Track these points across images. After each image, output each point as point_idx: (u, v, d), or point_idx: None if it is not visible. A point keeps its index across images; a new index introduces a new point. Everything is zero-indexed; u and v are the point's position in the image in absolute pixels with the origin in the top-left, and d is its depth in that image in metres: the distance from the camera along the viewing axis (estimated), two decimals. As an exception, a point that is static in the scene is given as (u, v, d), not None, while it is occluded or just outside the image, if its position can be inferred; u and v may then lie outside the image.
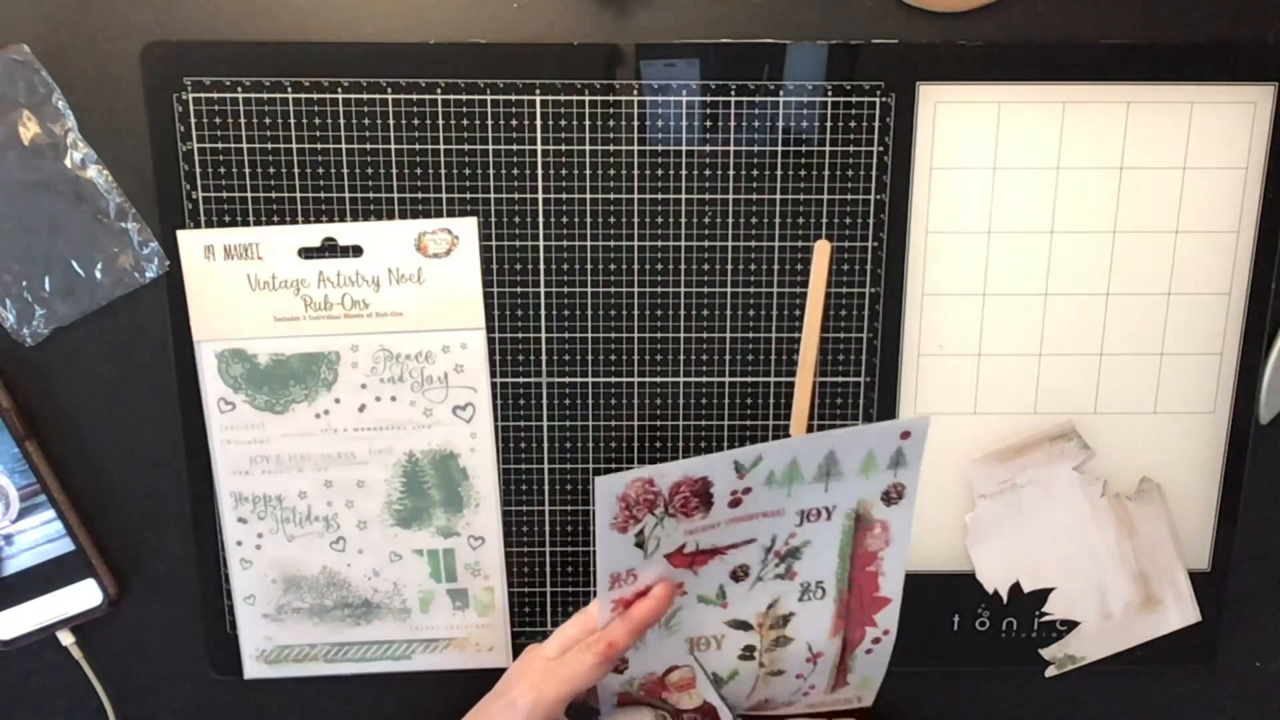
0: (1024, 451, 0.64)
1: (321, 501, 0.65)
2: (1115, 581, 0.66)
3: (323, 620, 0.67)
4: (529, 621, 0.68)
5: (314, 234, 0.62)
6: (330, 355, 0.63)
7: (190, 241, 0.62)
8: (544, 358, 0.64)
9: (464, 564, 0.66)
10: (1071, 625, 0.67)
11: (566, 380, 0.64)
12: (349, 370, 0.63)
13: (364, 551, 0.66)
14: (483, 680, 0.68)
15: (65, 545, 0.64)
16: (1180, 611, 0.67)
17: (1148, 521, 0.65)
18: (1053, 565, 0.66)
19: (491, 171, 0.61)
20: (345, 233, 0.62)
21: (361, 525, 0.65)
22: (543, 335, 0.64)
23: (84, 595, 0.65)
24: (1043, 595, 0.67)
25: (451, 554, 0.66)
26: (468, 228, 0.62)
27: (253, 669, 0.68)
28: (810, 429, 0.65)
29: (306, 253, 0.62)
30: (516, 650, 0.68)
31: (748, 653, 0.59)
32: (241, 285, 0.62)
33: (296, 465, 0.65)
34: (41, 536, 0.64)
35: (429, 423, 0.64)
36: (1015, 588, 0.66)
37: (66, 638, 0.66)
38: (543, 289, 0.63)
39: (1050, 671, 0.68)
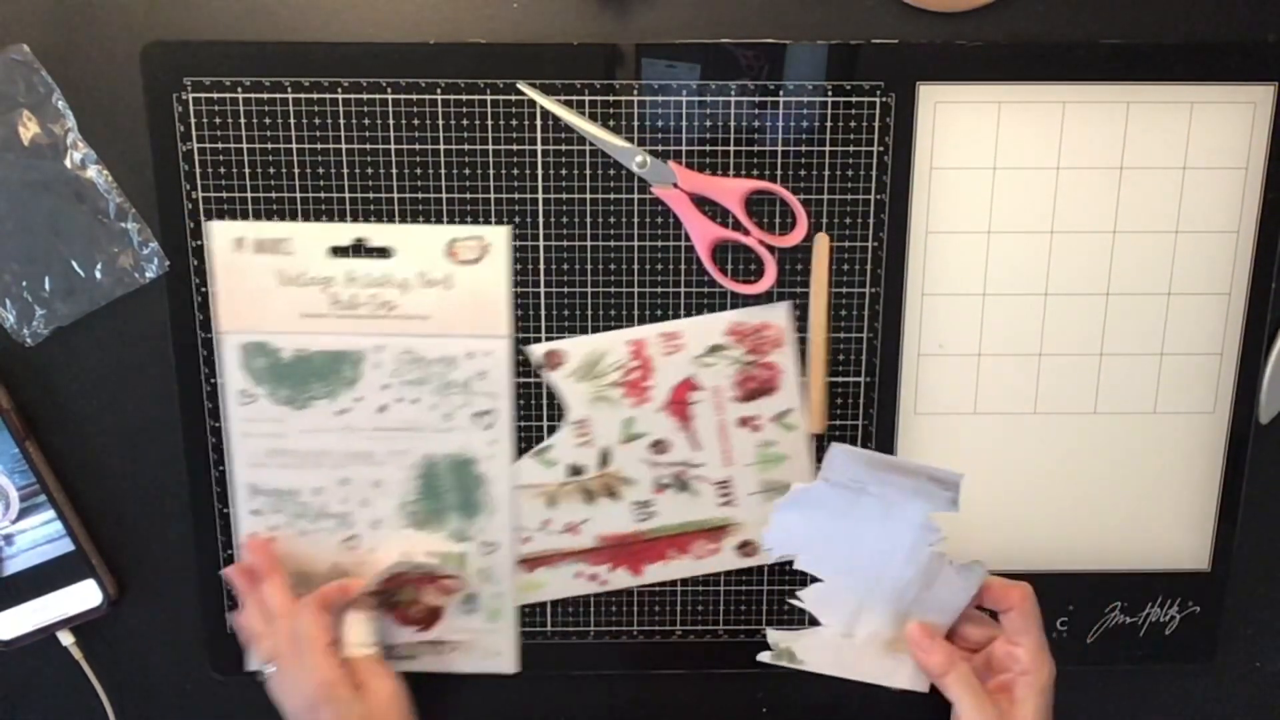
0: (897, 470, 0.59)
1: (336, 499, 0.65)
2: (878, 610, 0.61)
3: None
4: (536, 627, 0.68)
5: (345, 233, 0.62)
6: (354, 354, 0.63)
7: (221, 232, 0.62)
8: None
9: (475, 569, 0.66)
10: (810, 623, 0.63)
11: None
12: (372, 370, 0.63)
13: (376, 551, 0.66)
14: (488, 685, 0.69)
15: (65, 545, 0.64)
16: (911, 676, 0.61)
17: (950, 591, 0.59)
18: (837, 560, 0.60)
19: (491, 171, 0.61)
20: (377, 233, 0.62)
21: (375, 525, 0.65)
22: (542, 335, 0.64)
23: (84, 595, 0.65)
24: (804, 579, 0.64)
25: (463, 558, 0.66)
26: (500, 236, 0.62)
27: (256, 661, 0.68)
28: (827, 428, 0.65)
29: (337, 251, 0.62)
30: (524, 656, 0.68)
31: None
32: (270, 279, 0.62)
33: (314, 461, 0.64)
34: (41, 536, 0.64)
35: (448, 427, 0.64)
36: (787, 562, 0.61)
37: (66, 638, 0.66)
38: (542, 289, 0.63)
39: (764, 656, 0.64)
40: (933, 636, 0.59)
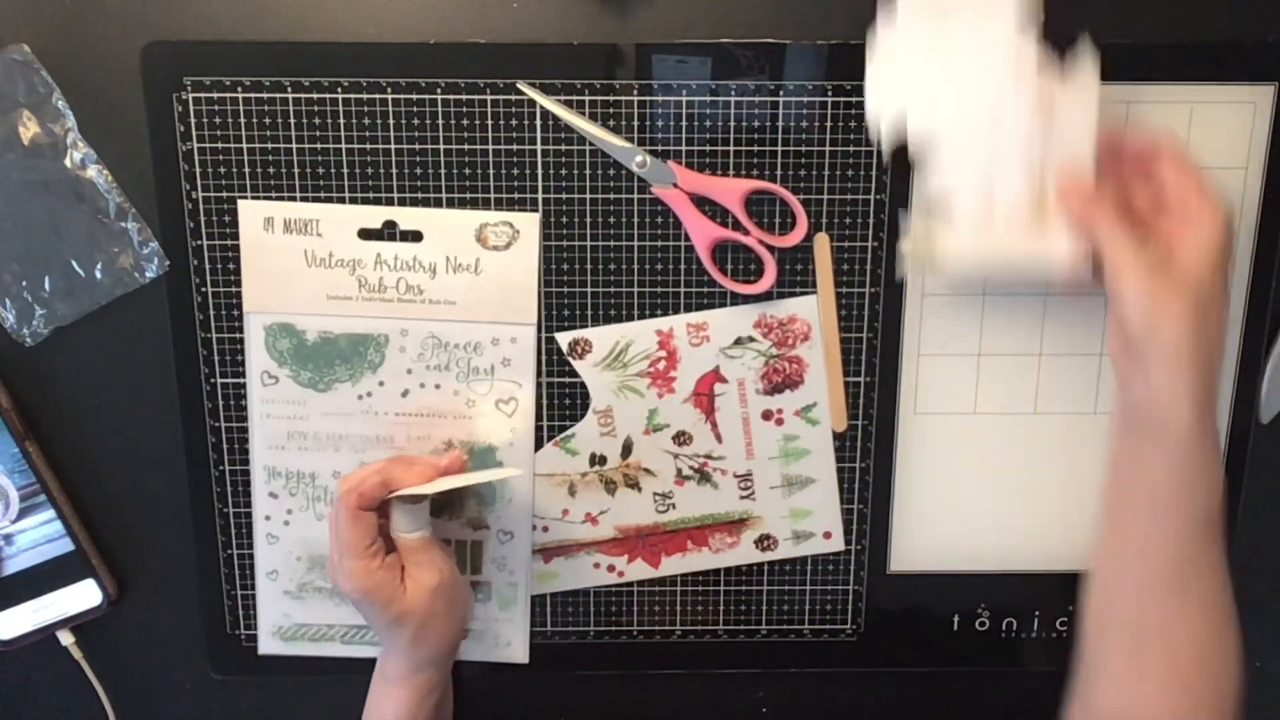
0: None
1: None
2: (1007, 164, 0.56)
3: (343, 601, 0.66)
4: (536, 625, 0.68)
5: (375, 216, 0.62)
6: (379, 338, 0.63)
7: (251, 211, 0.61)
8: (541, 357, 0.64)
9: (491, 558, 0.66)
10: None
11: (566, 381, 0.64)
12: (396, 354, 0.63)
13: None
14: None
15: (65, 545, 0.64)
16: (1069, 243, 0.56)
17: (1071, 109, 0.55)
18: (948, 111, 0.57)
19: (491, 171, 0.61)
20: (407, 217, 0.62)
21: None
22: (540, 333, 0.64)
23: (84, 595, 0.65)
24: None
25: (479, 546, 0.66)
26: (529, 223, 0.62)
27: (268, 645, 0.68)
28: (852, 425, 0.65)
29: (366, 234, 0.62)
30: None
31: None
32: (298, 260, 0.62)
33: (334, 445, 0.64)
34: (41, 536, 0.64)
35: (470, 414, 0.64)
36: (902, 152, 0.59)
37: (66, 638, 0.66)
38: (540, 289, 0.63)
39: (905, 252, 0.61)
40: (1076, 179, 0.55)
